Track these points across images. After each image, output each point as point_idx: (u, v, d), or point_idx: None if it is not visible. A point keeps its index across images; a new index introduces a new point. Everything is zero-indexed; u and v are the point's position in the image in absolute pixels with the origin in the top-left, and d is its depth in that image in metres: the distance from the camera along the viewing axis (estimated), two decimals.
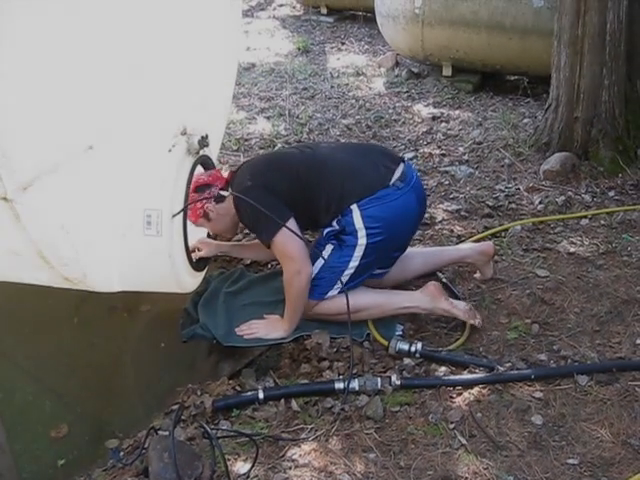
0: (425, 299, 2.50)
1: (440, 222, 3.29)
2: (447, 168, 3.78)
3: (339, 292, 2.44)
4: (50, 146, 1.97)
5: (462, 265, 2.88)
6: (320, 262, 2.42)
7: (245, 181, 2.44)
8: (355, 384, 2.26)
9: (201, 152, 2.54)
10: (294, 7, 7.17)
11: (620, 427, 2.08)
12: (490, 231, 3.15)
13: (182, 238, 2.40)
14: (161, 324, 2.68)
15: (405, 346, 2.42)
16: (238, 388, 2.32)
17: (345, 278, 2.43)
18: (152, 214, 2.33)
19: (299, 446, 2.09)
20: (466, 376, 2.30)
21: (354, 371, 2.37)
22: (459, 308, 2.50)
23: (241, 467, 2.01)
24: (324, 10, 6.74)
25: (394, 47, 5.29)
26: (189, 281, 2.53)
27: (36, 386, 2.34)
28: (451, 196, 3.51)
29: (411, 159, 3.93)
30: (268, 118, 4.63)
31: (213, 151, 3.24)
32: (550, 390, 2.24)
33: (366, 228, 2.37)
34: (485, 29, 4.63)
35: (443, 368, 2.37)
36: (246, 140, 4.27)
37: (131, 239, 2.35)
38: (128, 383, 2.43)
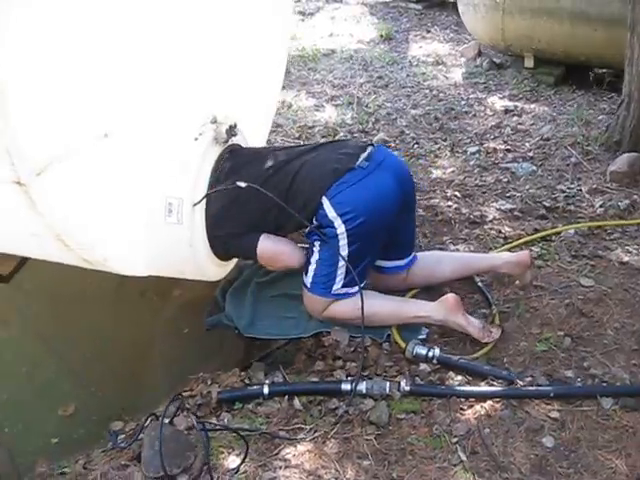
0: (440, 311, 2.36)
1: (490, 222, 3.11)
2: (509, 165, 3.57)
3: (350, 291, 2.35)
4: (63, 133, 1.97)
5: None
6: (315, 258, 2.34)
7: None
8: (362, 387, 2.16)
9: (231, 141, 2.52)
10: None
11: (638, 459, 1.89)
12: (540, 234, 2.94)
13: (204, 227, 2.38)
14: (189, 310, 2.67)
15: (423, 351, 2.30)
16: (247, 381, 2.28)
17: (342, 270, 2.32)
18: (173, 202, 2.32)
19: (295, 446, 2.02)
20: (479, 388, 2.16)
21: (365, 373, 2.28)
22: (474, 325, 2.34)
23: (232, 462, 1.96)
24: None
25: (475, 36, 5.05)
26: (214, 270, 2.50)
27: (58, 364, 2.39)
28: (507, 194, 3.31)
29: (474, 153, 3.75)
30: (337, 106, 4.54)
31: (259, 140, 3.23)
32: (569, 411, 2.06)
33: (340, 216, 2.25)
34: (568, 19, 4.32)
35: (460, 377, 2.24)
36: (310, 127, 4.20)
37: (154, 225, 2.34)
38: (144, 367, 2.43)
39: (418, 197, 3.30)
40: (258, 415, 2.13)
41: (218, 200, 2.35)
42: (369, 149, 2.39)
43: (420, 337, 2.42)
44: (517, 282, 2.62)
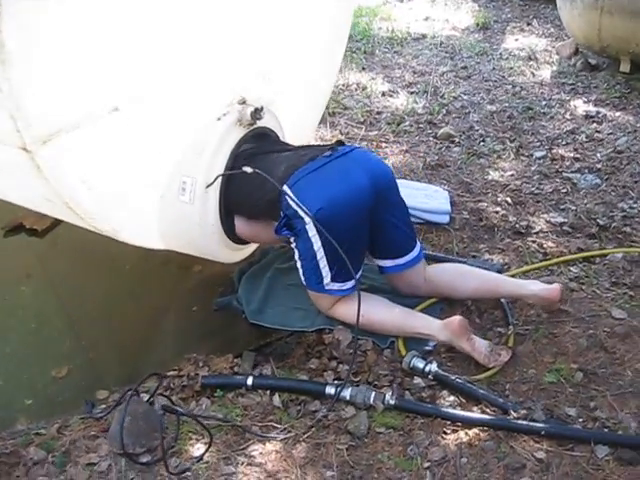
0: (444, 332, 2.19)
1: (535, 234, 2.88)
2: (572, 175, 3.30)
3: (344, 287, 2.24)
4: (70, 104, 1.95)
5: None
6: (296, 254, 2.24)
7: None
8: (347, 393, 2.06)
9: (260, 124, 2.44)
10: None
11: None
12: (583, 254, 2.70)
13: (217, 210, 2.32)
14: (205, 287, 2.64)
15: (420, 364, 2.16)
16: (236, 369, 2.23)
17: (324, 262, 2.19)
18: (187, 181, 2.28)
19: (264, 443, 1.95)
20: (467, 413, 2.00)
21: (357, 379, 2.17)
22: (479, 351, 2.16)
23: (197, 449, 1.92)
24: None
25: (570, 34, 4.70)
26: (226, 253, 2.45)
27: (64, 324, 2.42)
28: (562, 207, 3.07)
29: (539, 158, 3.49)
30: (411, 93, 4.35)
31: (308, 124, 3.13)
32: (557, 453, 1.87)
33: (303, 204, 2.12)
34: None
35: (452, 398, 2.08)
36: (377, 113, 4.06)
37: (168, 201, 2.32)
38: (146, 339, 2.42)
39: (466, 198, 3.14)
40: (236, 406, 2.07)
41: (235, 183, 2.29)
42: (338, 146, 2.31)
43: (427, 348, 2.29)
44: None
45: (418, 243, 2.42)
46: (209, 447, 1.91)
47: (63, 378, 2.22)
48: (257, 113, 2.35)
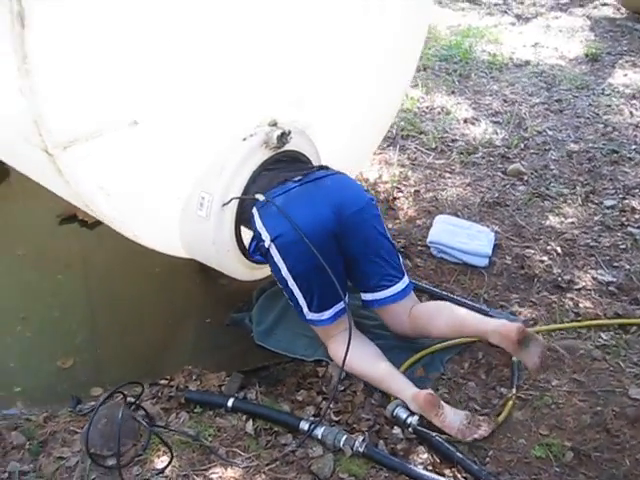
0: (413, 404, 2.06)
1: (576, 291, 2.67)
2: (636, 230, 3.03)
3: (322, 318, 2.20)
4: (88, 115, 2.00)
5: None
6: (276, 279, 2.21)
7: None
8: (319, 432, 2.00)
9: (290, 147, 2.41)
10: (618, 9, 6.21)
11: None
12: (618, 320, 2.47)
13: (232, 228, 2.32)
14: (224, 301, 2.64)
15: (403, 414, 2.06)
16: (224, 388, 2.22)
17: (296, 290, 2.16)
18: (205, 197, 2.29)
19: (225, 468, 1.93)
20: (432, 475, 1.88)
21: (337, 418, 2.11)
22: (450, 426, 1.99)
23: (162, 462, 1.94)
24: None
25: None
26: (242, 271, 2.45)
27: (85, 316, 2.51)
28: (615, 264, 2.82)
29: (608, 207, 3.23)
30: (494, 123, 4.16)
31: (365, 147, 3.07)
32: None
33: (264, 226, 2.12)
34: None
35: (426, 455, 1.98)
36: (451, 141, 3.90)
37: (188, 214, 2.35)
38: (154, 343, 2.46)
39: (514, 243, 2.97)
40: (211, 425, 2.07)
41: (248, 204, 2.28)
42: (315, 169, 2.28)
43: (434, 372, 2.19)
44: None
45: (404, 278, 2.29)
46: (170, 462, 1.92)
47: (67, 369, 2.30)
48: (284, 137, 2.33)
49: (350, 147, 2.92)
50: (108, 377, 2.27)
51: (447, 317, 2.24)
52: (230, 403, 2.10)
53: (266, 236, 2.12)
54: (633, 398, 2.13)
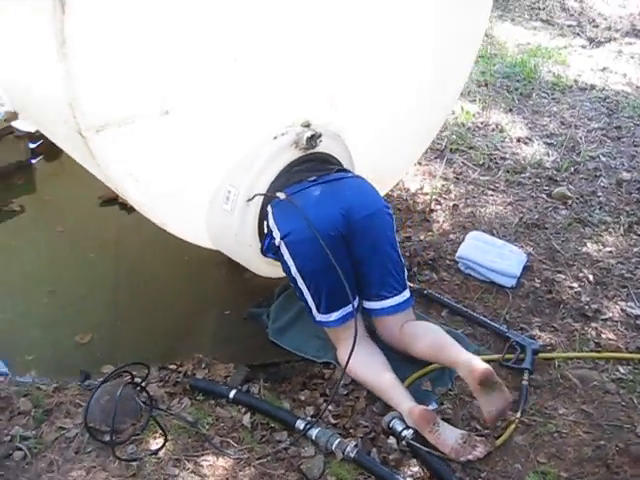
0: (409, 419, 2.02)
1: (601, 321, 2.58)
2: None
3: (329, 320, 2.22)
4: (121, 102, 2.07)
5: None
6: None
7: None
8: (314, 432, 2.00)
9: (320, 150, 2.42)
10: None
11: None
12: (639, 355, 2.38)
13: (255, 224, 2.34)
14: (246, 295, 2.67)
15: (398, 427, 2.03)
16: (229, 380, 2.24)
17: (305, 289, 2.18)
18: (232, 191, 2.33)
19: (217, 457, 1.95)
20: None
21: (335, 422, 2.10)
22: (444, 444, 1.94)
23: (156, 444, 1.98)
24: None
25: None
26: (264, 267, 2.47)
27: (111, 295, 2.59)
28: None
29: None
30: (548, 145, 4.05)
31: (399, 156, 3.05)
32: None
33: (277, 224, 2.17)
34: None
35: (417, 469, 1.95)
36: (500, 159, 3.83)
37: (214, 206, 2.39)
38: (172, 328, 2.50)
39: (546, 266, 2.91)
40: (210, 414, 2.09)
41: (267, 201, 2.30)
42: (333, 171, 2.29)
43: (431, 407, 2.14)
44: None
45: (404, 292, 2.27)
46: (163, 445, 1.95)
47: (84, 345, 2.37)
48: (313, 139, 2.35)
49: (388, 155, 2.91)
50: (122, 356, 2.31)
51: (430, 340, 2.20)
52: (232, 394, 2.13)
53: (277, 234, 2.15)
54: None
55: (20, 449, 1.92)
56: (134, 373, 2.14)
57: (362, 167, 2.58)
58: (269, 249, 2.24)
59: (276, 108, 2.36)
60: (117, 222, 2.97)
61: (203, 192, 2.38)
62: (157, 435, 2.00)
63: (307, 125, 2.39)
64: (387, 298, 2.24)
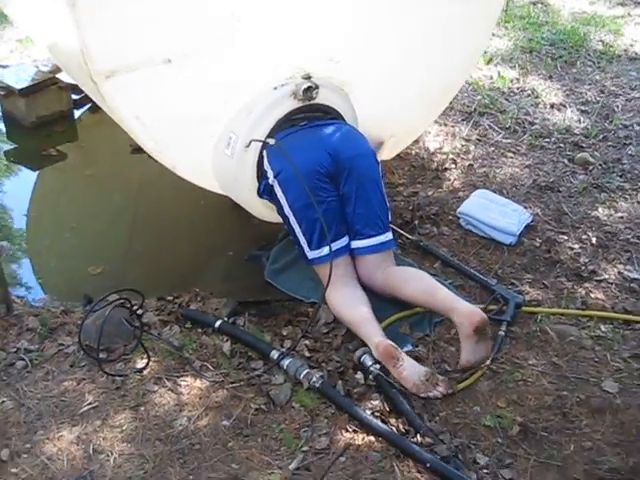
0: (376, 352, 2.08)
1: (595, 282, 2.55)
2: None
3: (321, 255, 2.28)
4: (127, 48, 2.18)
5: None
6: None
7: None
8: (285, 362, 2.10)
9: (321, 101, 2.48)
10: None
11: None
12: (624, 316, 2.34)
13: (254, 169, 2.43)
14: (251, 239, 2.77)
15: (368, 362, 2.11)
16: (217, 312, 2.36)
17: (297, 227, 2.28)
18: (232, 137, 2.42)
19: (194, 379, 2.08)
20: (371, 419, 1.92)
21: (309, 355, 2.19)
22: (406, 379, 2.01)
23: (142, 364, 2.13)
24: None
25: None
26: (264, 211, 2.55)
27: (125, 231, 2.74)
28: None
29: None
30: (581, 112, 3.93)
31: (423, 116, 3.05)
32: None
33: (270, 165, 2.29)
34: None
35: (377, 402, 2.02)
36: (529, 123, 3.75)
37: (219, 151, 2.49)
38: (178, 265, 2.64)
39: (550, 227, 2.88)
40: (195, 341, 2.22)
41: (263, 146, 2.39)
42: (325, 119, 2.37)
43: (406, 349, 2.20)
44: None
45: (387, 234, 2.34)
46: (147, 365, 2.10)
47: (95, 275, 2.54)
48: (310, 91, 2.40)
49: (396, 112, 2.91)
50: (128, 287, 2.47)
51: (423, 284, 2.25)
52: (217, 324, 2.25)
53: (270, 173, 2.27)
54: (604, 390, 2.05)
55: (23, 359, 2.11)
56: (134, 302, 2.29)
57: (367, 119, 2.61)
58: (265, 191, 2.35)
59: (284, 60, 2.42)
60: (143, 169, 3.10)
61: (209, 138, 2.48)
62: (145, 357, 2.15)
63: (307, 77, 2.44)
64: (370, 237, 2.32)
